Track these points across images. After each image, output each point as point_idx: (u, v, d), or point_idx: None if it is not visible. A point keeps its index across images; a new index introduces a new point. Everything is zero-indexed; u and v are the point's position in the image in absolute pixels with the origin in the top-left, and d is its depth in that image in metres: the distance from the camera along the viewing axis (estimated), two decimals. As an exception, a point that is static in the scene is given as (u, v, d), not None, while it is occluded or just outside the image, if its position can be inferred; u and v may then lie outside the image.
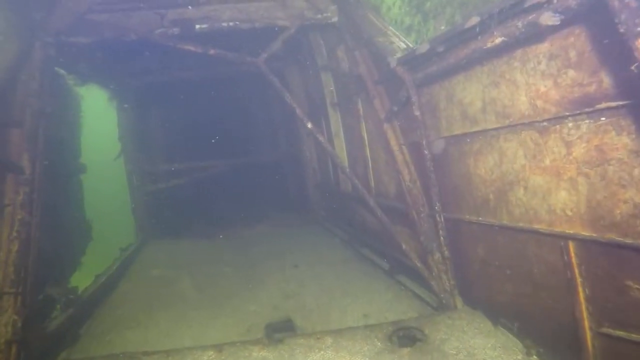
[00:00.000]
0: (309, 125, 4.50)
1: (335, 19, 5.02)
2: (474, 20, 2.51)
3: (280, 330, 3.86)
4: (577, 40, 2.05)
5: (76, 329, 4.07)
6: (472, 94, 3.06)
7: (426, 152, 3.75)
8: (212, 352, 3.34)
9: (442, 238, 3.76)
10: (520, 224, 2.74)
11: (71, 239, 5.59)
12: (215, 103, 11.00)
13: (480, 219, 3.23)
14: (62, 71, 5.03)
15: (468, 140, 3.23)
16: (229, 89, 10.22)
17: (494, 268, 3.21)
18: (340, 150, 6.35)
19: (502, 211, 2.94)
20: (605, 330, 2.18)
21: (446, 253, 3.77)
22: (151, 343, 3.82)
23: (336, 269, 5.32)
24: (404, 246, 4.20)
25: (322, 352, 3.23)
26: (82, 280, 5.21)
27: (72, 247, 5.54)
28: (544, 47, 2.26)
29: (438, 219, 3.78)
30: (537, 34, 2.20)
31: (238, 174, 14.01)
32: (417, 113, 3.67)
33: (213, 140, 13.12)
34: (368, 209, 5.51)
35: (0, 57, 3.62)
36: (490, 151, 2.98)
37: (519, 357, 2.86)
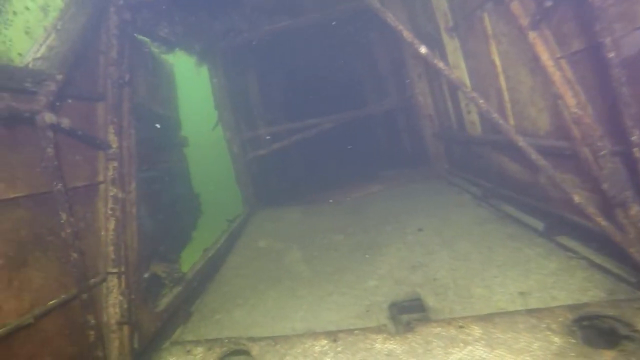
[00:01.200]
0: (423, 50, 3.50)
1: None
2: None
3: (408, 310, 3.16)
4: None
5: (187, 307, 3.99)
6: None
7: (611, 55, 2.52)
8: (325, 342, 2.82)
9: (645, 183, 2.56)
10: None
11: (180, 214, 5.67)
12: (312, 56, 10.45)
13: None
14: (144, 38, 4.87)
15: None
16: (326, 39, 9.52)
17: None
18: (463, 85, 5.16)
19: None
20: None
21: (652, 204, 2.57)
22: (259, 324, 3.50)
23: (471, 231, 4.35)
24: (576, 198, 3.04)
25: (469, 348, 2.45)
26: (193, 255, 5.23)
27: (181, 222, 5.62)
28: None
29: (637, 154, 2.55)
30: None
31: (344, 131, 13.46)
32: (594, -5, 2.46)
33: (314, 97, 12.78)
34: (509, 153, 4.36)
35: (75, 26, 3.42)
36: None
37: None
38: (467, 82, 5.09)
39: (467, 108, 5.16)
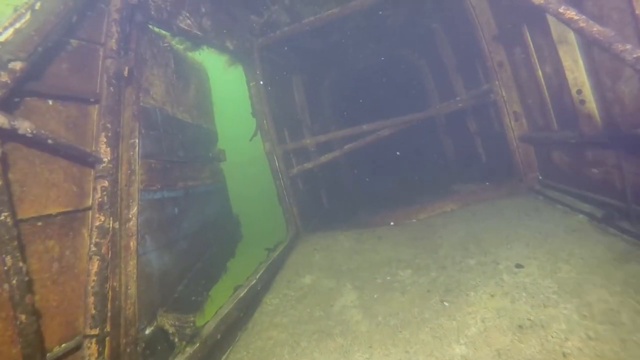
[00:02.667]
0: None
1: None
2: None
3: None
4: None
5: (205, 372, 3.08)
6: None
7: None
8: None
9: None
10: None
11: (212, 241, 4.87)
12: (364, 55, 9.50)
13: None
14: (163, 32, 4.17)
15: None
16: (379, 34, 8.54)
17: None
18: (573, 66, 3.91)
19: None
20: None
21: None
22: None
23: (606, 272, 3.06)
24: None
25: None
26: (228, 291, 4.37)
27: (213, 251, 4.81)
28: None
29: None
30: None
31: (405, 138, 12.26)
32: None
33: (368, 101, 11.74)
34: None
35: (58, 6, 2.72)
36: None
37: None
38: (582, 65, 3.84)
39: (579, 96, 3.88)
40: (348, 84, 11.15)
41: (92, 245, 2.48)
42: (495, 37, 5.45)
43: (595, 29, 2.00)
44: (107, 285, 2.48)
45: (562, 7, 2.11)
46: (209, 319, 3.63)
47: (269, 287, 4.56)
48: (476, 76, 6.69)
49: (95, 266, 2.42)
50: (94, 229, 2.54)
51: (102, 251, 2.51)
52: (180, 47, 4.69)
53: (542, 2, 2.21)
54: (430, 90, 10.16)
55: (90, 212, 2.63)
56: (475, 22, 5.52)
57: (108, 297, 2.45)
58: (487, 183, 5.82)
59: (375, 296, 3.85)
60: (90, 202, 2.68)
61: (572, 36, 3.84)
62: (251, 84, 6.05)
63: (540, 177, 5.51)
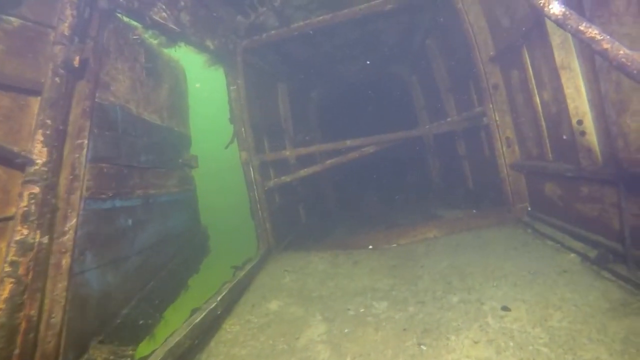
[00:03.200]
0: (555, 9, 2.11)
1: None
2: None
3: None
4: None
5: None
6: None
7: None
8: None
9: None
10: None
11: (174, 255, 4.46)
12: (354, 68, 9.26)
13: None
14: (135, 23, 3.80)
15: None
16: (371, 48, 8.32)
17: None
18: (574, 94, 3.68)
19: None
20: None
21: None
22: None
23: (602, 326, 2.77)
24: None
25: None
26: (184, 313, 3.95)
27: (173, 267, 4.39)
28: None
29: None
30: None
31: (390, 158, 12.01)
32: None
33: (356, 115, 11.44)
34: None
35: None
36: None
37: None
38: (584, 94, 3.61)
39: (580, 127, 3.64)
40: (336, 97, 10.89)
41: (5, 265, 2.07)
42: (492, 58, 5.24)
43: (622, 52, 1.72)
44: (21, 314, 2.07)
45: (584, 24, 1.83)
46: (157, 347, 3.21)
47: (232, 311, 4.16)
48: (469, 97, 6.48)
49: (5, 291, 2.01)
50: (12, 243, 2.14)
51: (19, 272, 2.10)
52: (154, 41, 4.33)
53: (559, 16, 1.92)
54: (420, 108, 9.97)
55: (11, 223, 2.23)
56: (472, 41, 5.31)
57: (19, 329, 2.04)
58: (474, 210, 5.55)
59: (346, 331, 3.49)
60: (14, 211, 2.27)
61: (575, 62, 3.62)
62: (231, 88, 5.70)
63: (530, 209, 5.27)
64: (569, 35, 3.61)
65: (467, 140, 7.30)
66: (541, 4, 2.04)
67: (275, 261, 5.46)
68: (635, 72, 1.77)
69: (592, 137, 3.63)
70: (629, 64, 1.77)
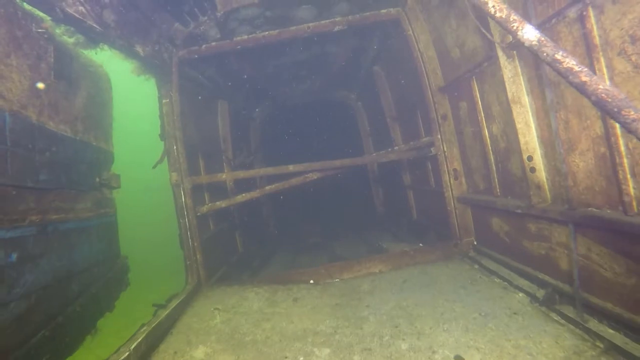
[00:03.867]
0: (528, 35, 1.91)
1: None
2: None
3: None
4: None
5: None
6: None
7: None
8: None
9: None
10: None
11: (80, 293, 3.76)
12: (304, 90, 9.03)
13: None
14: (42, 15, 3.23)
15: None
16: (321, 73, 8.15)
17: None
18: (525, 129, 3.63)
19: None
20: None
21: None
22: None
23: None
24: None
25: None
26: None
27: (76, 307, 3.69)
28: None
29: None
30: None
31: (334, 185, 11.79)
32: None
33: (301, 141, 11.19)
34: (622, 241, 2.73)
35: None
36: None
37: None
38: (534, 130, 3.56)
39: (530, 163, 3.57)
40: (280, 119, 10.59)
41: None
42: (441, 88, 5.20)
43: (601, 86, 1.53)
44: None
45: (561, 53, 1.63)
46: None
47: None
48: (416, 127, 6.43)
49: None
50: None
51: None
52: (69, 40, 3.74)
53: (533, 42, 1.72)
54: (366, 135, 9.92)
55: None
56: (421, 69, 5.25)
57: None
58: (421, 244, 5.38)
59: (282, 387, 3.03)
60: None
61: (525, 98, 3.57)
62: (164, 101, 5.16)
63: (476, 243, 5.18)
64: (519, 69, 3.59)
65: (413, 170, 7.25)
66: (513, 28, 1.84)
67: (206, 297, 4.88)
68: (615, 109, 1.60)
69: (542, 174, 3.57)
70: (609, 100, 1.59)
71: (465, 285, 4.35)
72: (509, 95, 3.57)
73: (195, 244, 5.10)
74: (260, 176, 6.42)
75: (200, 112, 6.48)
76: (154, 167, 5.11)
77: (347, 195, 12.03)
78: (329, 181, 11.53)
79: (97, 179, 4.24)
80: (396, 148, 6.03)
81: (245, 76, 6.96)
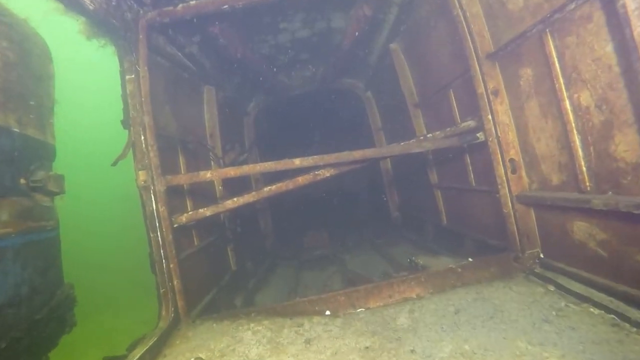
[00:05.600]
0: None
1: None
2: None
3: None
4: None
5: None
6: None
7: None
8: None
9: None
10: None
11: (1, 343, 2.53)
12: (299, 70, 7.82)
13: None
14: None
15: None
16: (322, 43, 7.00)
17: None
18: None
19: None
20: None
21: None
22: None
23: None
24: None
25: None
26: None
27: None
28: None
29: None
30: None
31: (342, 190, 10.54)
32: None
33: (307, 131, 9.92)
34: None
35: None
36: None
37: None
38: None
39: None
40: (278, 114, 9.39)
41: None
42: (490, 55, 4.03)
43: None
44: None
45: None
46: None
47: None
48: (448, 112, 5.25)
49: None
50: None
51: None
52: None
53: None
54: (377, 130, 8.76)
55: None
56: (463, 32, 4.11)
57: None
58: (470, 259, 4.16)
59: None
60: None
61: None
62: (127, 77, 3.95)
63: (543, 256, 3.98)
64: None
65: (442, 166, 6.06)
66: None
67: (184, 340, 3.62)
68: None
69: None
70: None
71: (548, 318, 3.12)
72: (635, 34, 2.38)
73: (172, 266, 3.86)
74: (256, 176, 5.24)
75: (180, 97, 5.28)
76: (114, 163, 3.89)
77: (356, 199, 10.80)
78: (336, 184, 10.33)
79: (23, 181, 3.03)
80: (429, 136, 4.81)
81: (239, 55, 5.75)
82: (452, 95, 5.15)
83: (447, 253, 5.36)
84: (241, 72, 6.97)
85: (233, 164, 6.51)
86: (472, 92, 4.32)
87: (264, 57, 7.01)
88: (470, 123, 4.57)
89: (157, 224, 3.85)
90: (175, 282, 3.85)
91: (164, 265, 3.81)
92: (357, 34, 6.05)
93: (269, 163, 4.14)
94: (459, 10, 4.20)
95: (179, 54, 5.27)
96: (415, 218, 7.69)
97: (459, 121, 4.95)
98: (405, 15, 5.58)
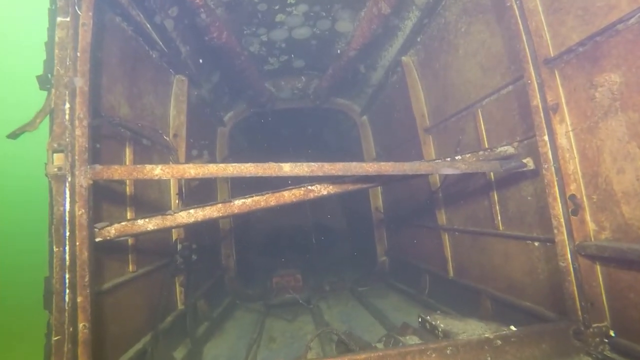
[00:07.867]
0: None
1: None
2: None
3: None
4: None
5: None
6: None
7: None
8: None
9: None
10: None
11: None
12: (289, 79, 6.77)
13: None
14: None
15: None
16: (322, 48, 6.09)
17: None
18: None
19: None
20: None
21: None
22: None
23: None
24: None
25: None
26: None
27: None
28: None
29: None
30: None
31: (320, 227, 9.44)
32: None
33: (281, 152, 8.74)
34: None
35: None
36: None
37: None
38: None
39: None
40: (259, 129, 8.30)
41: None
42: (548, 60, 3.10)
43: None
44: None
45: None
46: None
47: None
48: (473, 136, 4.28)
49: None
50: None
51: None
52: None
53: None
54: (371, 160, 7.74)
55: None
56: (516, 28, 3.19)
57: None
58: (512, 326, 3.03)
59: None
60: None
61: None
62: (59, 20, 2.77)
63: (614, 334, 2.89)
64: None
65: (454, 203, 5.01)
66: None
67: None
68: None
69: None
70: None
71: None
72: None
73: (79, 300, 2.52)
74: (226, 189, 3.98)
75: (141, 80, 4.11)
76: (13, 135, 2.62)
77: (337, 237, 9.60)
78: (314, 216, 9.13)
79: None
80: (458, 158, 3.76)
81: (223, 40, 4.68)
82: (480, 116, 4.21)
83: (441, 308, 4.26)
84: (222, 69, 5.89)
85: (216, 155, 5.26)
86: (510, 110, 3.38)
87: (252, 55, 5.98)
88: (508, 149, 3.60)
89: (67, 234, 2.54)
90: (80, 327, 2.50)
91: (66, 298, 2.47)
92: (365, 40, 5.13)
93: (248, 165, 2.97)
94: (514, 2, 3.31)
95: (147, 24, 4.16)
96: (407, 265, 6.54)
97: (487, 147, 3.97)
98: (428, 19, 4.72)
